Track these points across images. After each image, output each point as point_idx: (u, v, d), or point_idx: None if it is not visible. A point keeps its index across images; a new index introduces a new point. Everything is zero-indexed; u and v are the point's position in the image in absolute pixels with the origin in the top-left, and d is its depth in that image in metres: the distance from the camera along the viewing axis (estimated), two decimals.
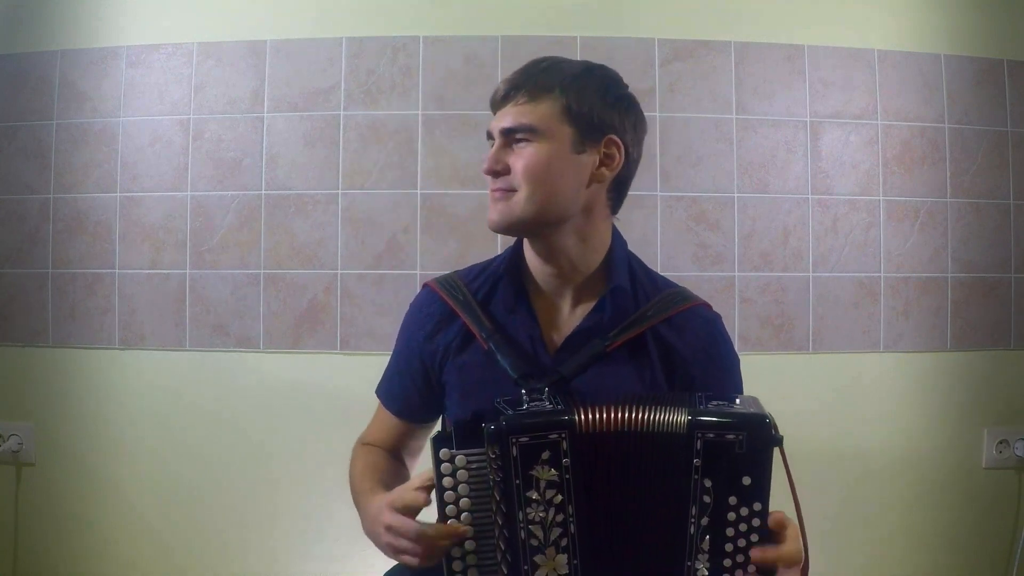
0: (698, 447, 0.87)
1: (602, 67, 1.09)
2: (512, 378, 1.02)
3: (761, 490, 0.87)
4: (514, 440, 0.87)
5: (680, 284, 1.17)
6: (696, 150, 1.87)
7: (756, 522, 0.87)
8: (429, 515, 0.95)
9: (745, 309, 1.87)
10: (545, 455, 0.88)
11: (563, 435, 0.88)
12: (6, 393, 1.89)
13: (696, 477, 0.87)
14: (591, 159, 1.04)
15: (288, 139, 1.86)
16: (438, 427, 1.21)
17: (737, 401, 0.93)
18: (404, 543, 0.93)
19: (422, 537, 0.92)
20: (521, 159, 1.03)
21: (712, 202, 1.87)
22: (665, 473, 0.89)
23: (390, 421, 1.20)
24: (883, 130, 1.90)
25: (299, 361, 1.85)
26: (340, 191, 1.85)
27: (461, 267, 1.20)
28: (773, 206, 1.88)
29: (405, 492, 0.95)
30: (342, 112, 1.86)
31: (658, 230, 1.86)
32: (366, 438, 1.23)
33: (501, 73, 1.84)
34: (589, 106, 1.03)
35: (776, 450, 0.88)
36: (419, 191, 1.85)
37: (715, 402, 0.92)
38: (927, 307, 1.90)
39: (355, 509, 1.12)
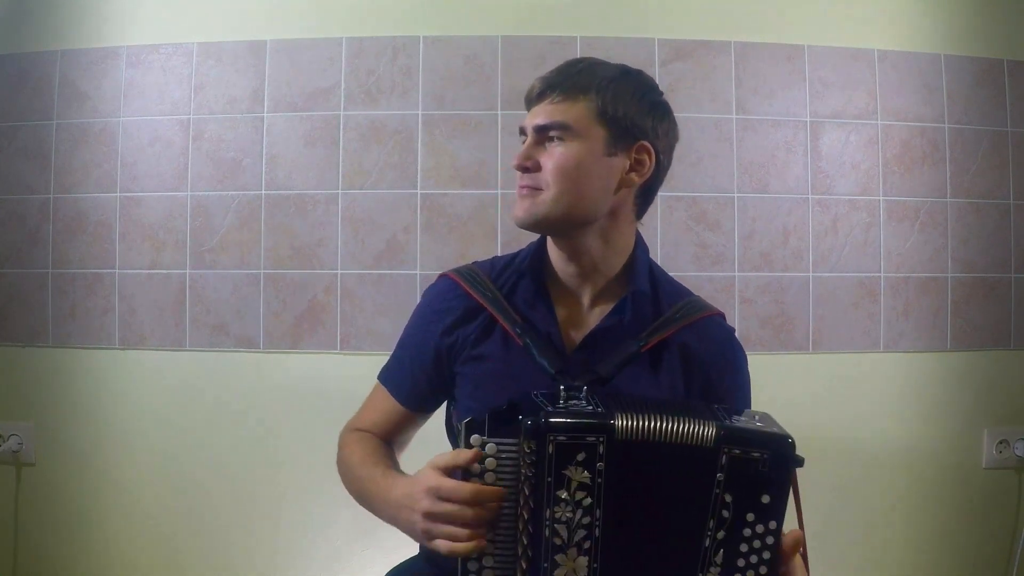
0: (723, 461, 0.87)
1: (639, 72, 1.10)
2: (549, 374, 1.02)
3: (778, 510, 0.88)
4: (552, 438, 0.86)
5: (681, 284, 1.18)
6: (696, 150, 1.87)
7: (770, 540, 0.87)
8: None
9: (745, 309, 1.87)
10: (580, 456, 0.87)
11: (601, 439, 0.87)
12: (6, 393, 1.89)
13: (717, 491, 0.88)
14: (622, 163, 1.05)
15: (288, 139, 1.86)
16: (437, 417, 1.21)
17: (756, 417, 0.93)
18: (446, 528, 0.91)
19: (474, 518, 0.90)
20: (552, 158, 1.03)
21: (712, 202, 1.87)
22: (687, 484, 0.89)
23: (391, 408, 1.18)
24: (883, 130, 1.90)
25: (299, 361, 1.85)
26: (340, 191, 1.85)
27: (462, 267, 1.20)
28: (773, 206, 1.88)
29: (458, 485, 0.92)
30: (342, 112, 1.86)
31: (658, 230, 1.86)
32: (358, 424, 1.21)
33: (501, 73, 1.85)
34: (624, 110, 1.03)
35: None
36: (419, 191, 1.85)
37: (737, 417, 0.92)
38: (927, 307, 1.90)
39: (356, 506, 1.11)
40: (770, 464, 0.87)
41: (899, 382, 1.90)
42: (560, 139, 1.03)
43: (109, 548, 1.86)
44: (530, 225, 1.06)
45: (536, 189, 1.04)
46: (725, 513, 0.88)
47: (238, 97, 1.87)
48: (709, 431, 0.88)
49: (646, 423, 0.89)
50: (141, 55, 1.88)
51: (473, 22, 1.86)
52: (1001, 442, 1.90)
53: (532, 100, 1.08)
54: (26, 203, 1.90)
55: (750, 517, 0.87)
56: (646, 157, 1.06)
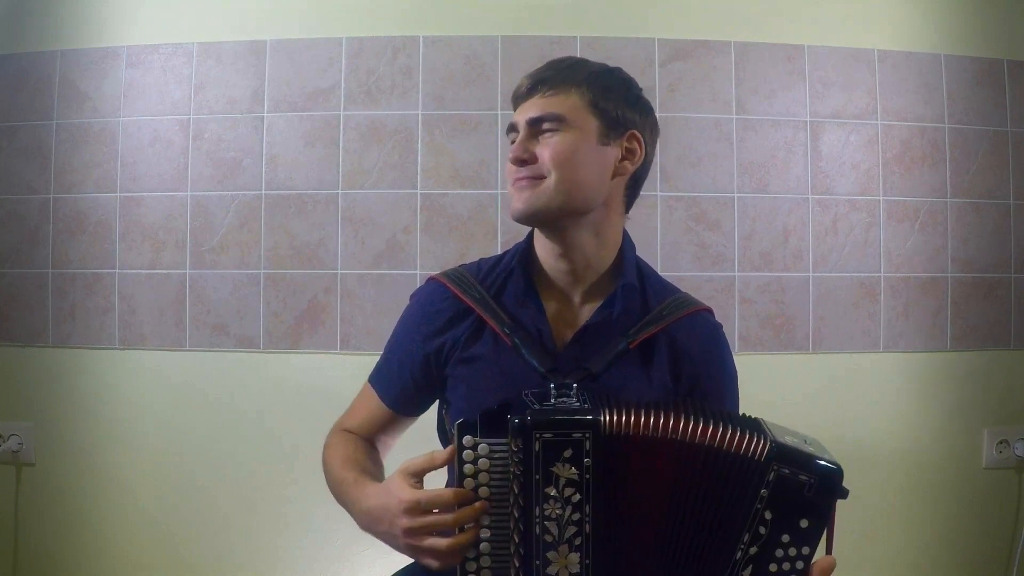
0: (770, 478, 0.87)
1: (620, 69, 1.14)
2: (539, 372, 1.03)
3: (814, 537, 0.88)
4: (538, 435, 0.88)
5: (680, 284, 1.20)
6: (696, 150, 1.87)
7: (800, 565, 0.88)
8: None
9: (745, 309, 1.87)
10: (567, 453, 0.88)
11: (587, 435, 0.88)
12: (6, 393, 1.89)
13: (759, 506, 0.88)
14: (614, 152, 1.07)
15: (288, 139, 1.86)
16: (428, 417, 1.21)
17: (807, 441, 0.93)
18: (428, 543, 0.91)
19: (454, 544, 0.91)
20: (549, 147, 1.04)
21: (712, 202, 1.87)
22: (722, 492, 0.89)
23: (379, 410, 1.19)
24: (883, 130, 1.90)
25: (299, 361, 1.85)
26: (340, 191, 1.85)
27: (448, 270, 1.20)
28: (773, 206, 1.88)
29: (436, 494, 0.92)
30: (342, 112, 1.86)
31: (658, 230, 1.86)
32: (345, 424, 1.21)
33: (501, 73, 1.85)
34: (613, 101, 1.07)
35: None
36: (419, 191, 1.85)
37: (789, 436, 0.92)
38: (927, 307, 1.90)
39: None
40: (816, 490, 0.87)
41: (899, 382, 1.90)
42: (555, 130, 1.04)
43: (109, 548, 1.86)
44: (529, 216, 1.06)
45: (537, 178, 1.04)
46: (762, 530, 0.88)
47: (238, 97, 1.87)
48: (762, 444, 0.88)
49: (638, 419, 0.89)
50: (141, 55, 1.88)
51: (473, 22, 1.86)
52: (1001, 442, 1.90)
53: (521, 97, 1.09)
54: (26, 203, 1.90)
55: (785, 538, 0.88)
56: (636, 145, 1.09)
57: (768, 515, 0.87)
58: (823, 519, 0.88)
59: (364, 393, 1.22)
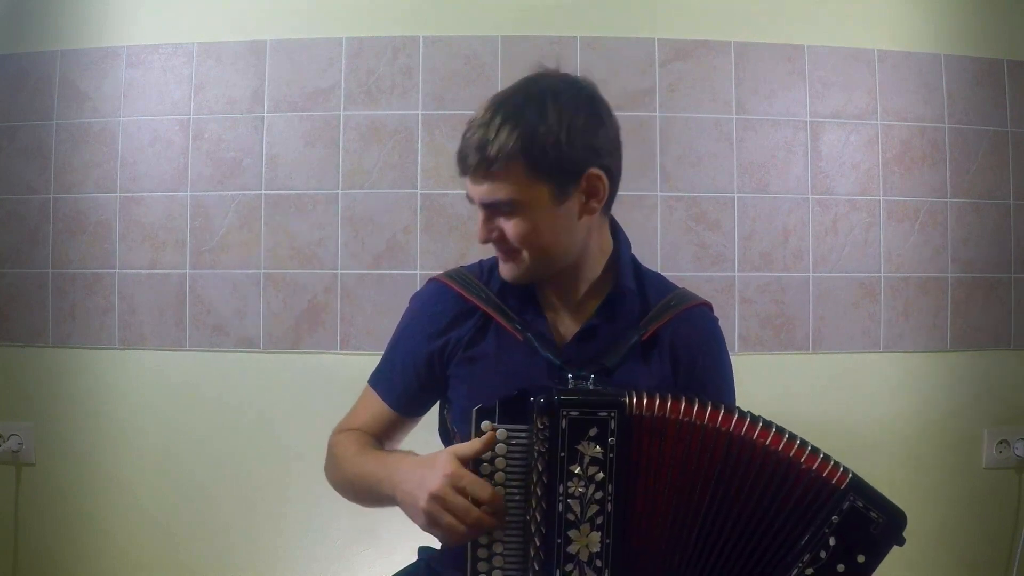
0: (844, 507, 0.91)
1: (554, 95, 1.02)
2: (556, 365, 1.05)
3: (864, 573, 0.91)
4: (565, 413, 0.90)
5: (680, 284, 1.21)
6: (696, 150, 1.87)
7: None
8: None
9: (745, 309, 1.87)
10: (593, 431, 0.90)
11: (612, 414, 0.90)
12: (6, 393, 1.89)
13: (826, 530, 0.90)
14: (576, 201, 1.04)
15: (288, 139, 1.86)
16: (427, 419, 1.22)
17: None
18: (449, 518, 0.90)
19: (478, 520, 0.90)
20: (509, 229, 1.04)
21: (712, 202, 1.87)
22: (786, 505, 0.91)
23: (382, 412, 1.18)
24: (883, 130, 1.90)
25: (299, 361, 1.85)
26: (340, 191, 1.85)
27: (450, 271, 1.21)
28: (773, 206, 1.88)
29: (479, 483, 0.91)
30: (342, 112, 1.86)
31: (658, 230, 1.86)
32: (348, 426, 1.21)
33: (501, 73, 1.84)
34: (555, 156, 1.00)
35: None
36: (419, 191, 1.85)
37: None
38: (927, 307, 1.90)
39: (356, 506, 1.13)
40: (882, 529, 0.91)
41: (899, 382, 1.90)
42: (509, 213, 1.03)
43: (109, 548, 1.86)
44: (521, 283, 1.10)
45: (513, 251, 1.06)
46: (823, 554, 0.90)
47: (238, 97, 1.87)
48: (841, 473, 0.92)
49: (676, 404, 0.91)
50: (141, 55, 1.88)
51: (473, 22, 1.86)
52: (1001, 442, 1.90)
53: (467, 169, 1.04)
54: (26, 203, 1.90)
55: (840, 568, 0.90)
56: (597, 181, 1.04)
57: (832, 541, 0.90)
58: (877, 559, 0.91)
59: (365, 396, 1.22)
